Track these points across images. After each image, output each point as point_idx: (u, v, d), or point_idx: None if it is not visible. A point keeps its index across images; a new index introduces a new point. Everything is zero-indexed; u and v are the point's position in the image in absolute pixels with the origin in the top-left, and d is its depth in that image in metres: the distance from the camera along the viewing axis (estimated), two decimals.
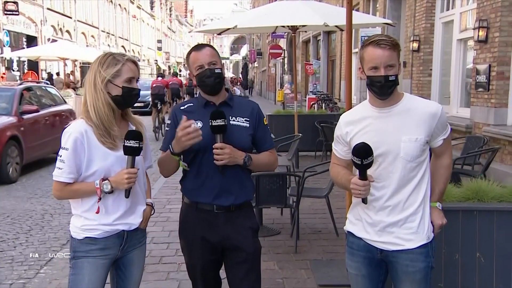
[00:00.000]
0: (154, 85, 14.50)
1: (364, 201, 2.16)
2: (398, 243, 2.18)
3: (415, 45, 9.71)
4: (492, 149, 6.12)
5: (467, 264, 2.84)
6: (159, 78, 15.59)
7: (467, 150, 6.73)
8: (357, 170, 2.11)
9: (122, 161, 2.24)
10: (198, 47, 2.52)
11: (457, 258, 2.84)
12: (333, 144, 2.39)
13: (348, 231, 2.36)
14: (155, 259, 4.49)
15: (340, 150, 2.33)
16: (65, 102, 10.95)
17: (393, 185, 2.16)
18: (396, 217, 2.17)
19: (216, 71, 2.44)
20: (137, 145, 2.20)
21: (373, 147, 2.06)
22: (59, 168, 2.19)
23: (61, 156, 2.19)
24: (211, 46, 2.54)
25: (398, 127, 2.15)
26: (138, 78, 2.34)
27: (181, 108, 2.56)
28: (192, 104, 2.57)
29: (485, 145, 6.54)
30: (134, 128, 2.35)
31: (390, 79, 2.10)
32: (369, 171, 2.10)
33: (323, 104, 15.64)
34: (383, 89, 2.12)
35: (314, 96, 17.08)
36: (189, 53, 2.53)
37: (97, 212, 2.22)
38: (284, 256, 4.57)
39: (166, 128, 2.58)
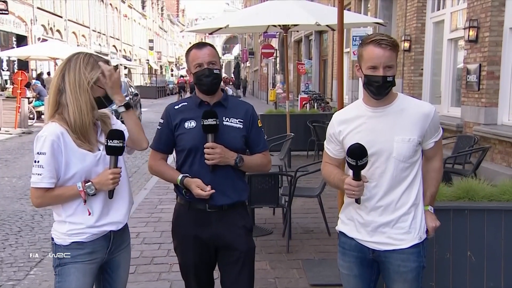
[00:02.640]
0: (179, 81, 36.06)
1: (358, 201, 2.16)
2: (390, 243, 2.18)
3: (406, 44, 9.75)
4: (482, 148, 6.17)
5: (458, 263, 2.85)
6: (181, 78, 35.16)
7: (458, 149, 6.77)
8: (351, 170, 2.10)
9: (99, 161, 2.20)
10: (199, 45, 2.51)
11: (448, 257, 2.85)
12: (325, 143, 2.38)
13: (340, 231, 2.35)
14: (147, 259, 4.46)
15: (333, 149, 2.32)
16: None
17: (385, 185, 2.16)
18: (388, 217, 2.17)
19: (215, 71, 2.44)
20: (121, 145, 2.17)
21: (366, 147, 2.05)
22: (38, 174, 2.10)
23: (38, 161, 2.10)
24: (212, 46, 2.53)
25: (391, 127, 2.14)
26: None
27: (175, 107, 2.56)
28: (186, 104, 2.56)
29: (476, 144, 6.58)
30: (100, 126, 2.30)
31: (388, 79, 2.09)
32: (362, 171, 2.10)
33: (315, 104, 15.67)
34: (380, 89, 2.11)
35: (306, 95, 17.10)
36: (189, 50, 2.52)
37: (89, 214, 2.17)
38: (276, 256, 4.56)
39: (158, 127, 2.56)
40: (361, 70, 2.15)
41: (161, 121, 2.55)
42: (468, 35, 7.24)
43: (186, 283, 2.64)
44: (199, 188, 2.40)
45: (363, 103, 2.23)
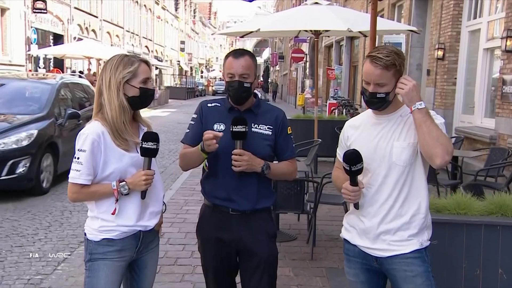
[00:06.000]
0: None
1: (356, 206, 2.21)
2: (392, 249, 2.18)
3: (440, 53, 9.56)
4: None
5: (488, 280, 2.76)
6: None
7: (490, 161, 6.59)
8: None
9: (136, 162, 2.25)
10: (237, 53, 2.46)
11: (478, 274, 2.77)
12: (337, 148, 2.42)
13: (344, 238, 2.38)
14: (171, 260, 4.50)
15: (342, 154, 2.33)
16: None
17: (386, 191, 2.18)
18: (390, 225, 2.18)
19: (245, 85, 2.41)
20: (155, 147, 2.22)
21: (367, 153, 2.12)
22: (76, 170, 2.18)
23: (78, 158, 2.18)
24: (251, 55, 2.47)
25: (392, 134, 2.19)
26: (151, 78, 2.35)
27: (208, 105, 2.57)
28: (219, 105, 2.56)
29: (510, 157, 6.39)
30: (145, 129, 2.36)
31: (377, 96, 2.13)
32: (364, 178, 2.16)
33: (344, 110, 15.54)
34: (369, 103, 2.19)
35: (335, 101, 16.98)
36: (227, 56, 2.50)
37: (113, 213, 2.22)
38: (299, 263, 4.53)
39: (191, 122, 2.57)
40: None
41: (194, 116, 2.56)
42: (506, 45, 7.06)
43: (206, 284, 2.66)
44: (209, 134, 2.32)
45: (371, 111, 2.28)
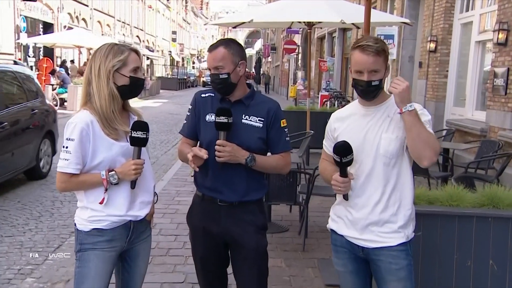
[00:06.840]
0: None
1: (345, 197, 2.23)
2: (379, 240, 2.21)
3: (432, 45, 9.59)
4: (507, 154, 6.03)
5: (479, 271, 2.78)
6: None
7: (481, 154, 6.64)
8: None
9: (125, 151, 2.23)
10: (211, 47, 2.46)
11: (469, 265, 2.79)
12: (324, 140, 2.43)
13: (330, 229, 2.39)
14: (163, 251, 4.49)
15: (329, 145, 2.37)
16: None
17: (374, 183, 2.20)
18: (378, 216, 2.20)
19: (221, 76, 2.40)
20: (144, 136, 2.21)
21: (355, 145, 2.13)
22: (65, 159, 2.16)
23: (67, 147, 2.16)
24: (226, 44, 2.43)
25: (380, 125, 2.21)
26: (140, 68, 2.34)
27: (202, 95, 2.57)
28: (212, 95, 2.54)
29: (500, 149, 6.45)
30: (135, 118, 2.34)
31: (373, 84, 2.15)
32: (351, 169, 2.17)
33: (336, 102, 15.57)
34: (364, 93, 2.19)
35: (327, 93, 17.00)
36: None
37: (101, 203, 2.21)
38: (291, 254, 4.54)
39: (188, 113, 2.58)
40: (351, 72, 2.22)
41: (190, 107, 2.57)
42: (497, 38, 7.09)
43: (196, 274, 2.67)
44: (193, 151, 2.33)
45: (358, 103, 2.30)
